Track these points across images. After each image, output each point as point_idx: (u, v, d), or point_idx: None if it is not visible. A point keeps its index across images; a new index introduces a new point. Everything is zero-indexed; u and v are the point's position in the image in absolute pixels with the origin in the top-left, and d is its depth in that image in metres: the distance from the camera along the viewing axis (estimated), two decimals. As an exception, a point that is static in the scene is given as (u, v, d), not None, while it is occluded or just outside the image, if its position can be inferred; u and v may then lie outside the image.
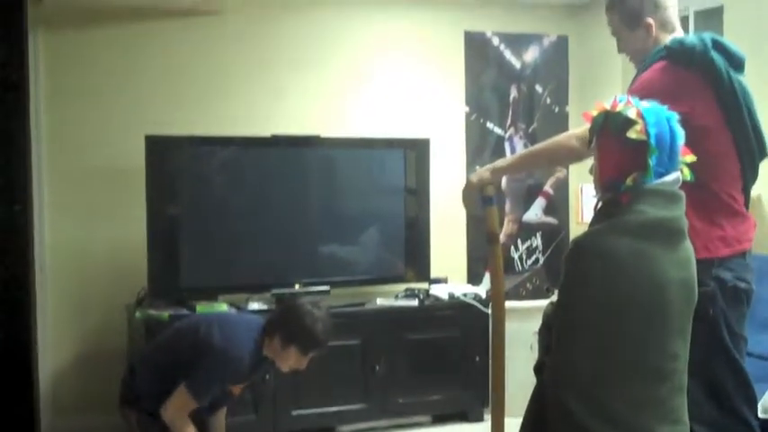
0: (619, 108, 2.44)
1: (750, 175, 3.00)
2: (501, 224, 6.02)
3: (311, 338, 3.77)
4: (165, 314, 4.72)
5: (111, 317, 5.15)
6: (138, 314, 4.79)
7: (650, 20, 3.01)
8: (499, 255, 3.08)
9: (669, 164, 2.42)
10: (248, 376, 3.88)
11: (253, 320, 3.98)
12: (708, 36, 2.94)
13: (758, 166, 3.02)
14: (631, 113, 2.41)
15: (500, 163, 3.12)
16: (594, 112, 2.52)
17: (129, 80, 5.30)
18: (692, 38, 2.94)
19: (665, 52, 2.93)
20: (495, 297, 3.07)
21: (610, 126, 2.45)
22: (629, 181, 2.40)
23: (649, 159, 2.38)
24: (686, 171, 2.47)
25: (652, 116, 2.40)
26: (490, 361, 3.13)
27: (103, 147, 5.23)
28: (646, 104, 2.46)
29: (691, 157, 2.47)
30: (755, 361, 4.07)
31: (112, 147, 5.23)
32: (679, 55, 2.89)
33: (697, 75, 2.88)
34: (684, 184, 2.47)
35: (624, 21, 3.07)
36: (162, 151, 4.96)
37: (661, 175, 2.40)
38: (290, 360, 3.82)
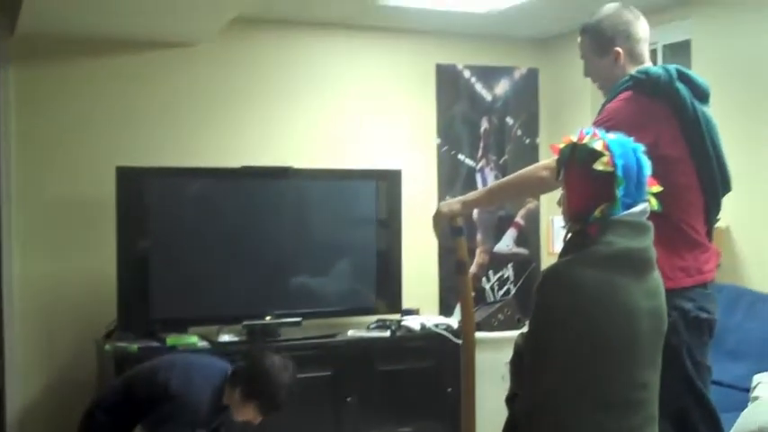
0: (585, 140, 2.46)
1: (713, 208, 3.02)
2: (472, 255, 6.04)
3: (272, 402, 3.76)
4: (135, 347, 4.69)
5: (81, 350, 5.11)
6: (107, 347, 4.75)
7: (619, 49, 3.04)
8: (469, 285, 3.10)
9: (636, 195, 2.43)
10: (207, 423, 3.80)
11: (215, 366, 3.91)
12: (673, 67, 2.97)
13: (721, 199, 3.04)
14: (598, 146, 2.42)
15: (471, 196, 3.16)
16: (562, 145, 2.54)
17: (100, 111, 5.29)
18: (657, 68, 2.97)
19: (631, 82, 2.96)
20: (465, 327, 3.08)
21: (577, 158, 2.47)
22: (597, 212, 2.41)
23: (616, 191, 2.39)
24: (653, 201, 2.49)
25: (618, 148, 2.42)
26: (461, 392, 3.13)
27: (74, 178, 5.21)
28: (612, 136, 2.48)
29: (657, 188, 2.50)
30: (724, 390, 4.11)
31: (83, 178, 5.21)
32: (644, 84, 2.92)
33: (662, 105, 2.91)
34: (651, 215, 2.49)
35: (594, 46, 3.09)
36: (133, 182, 4.95)
37: (629, 206, 2.42)
38: (247, 415, 3.79)
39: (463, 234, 3.15)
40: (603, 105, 3.04)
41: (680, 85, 2.91)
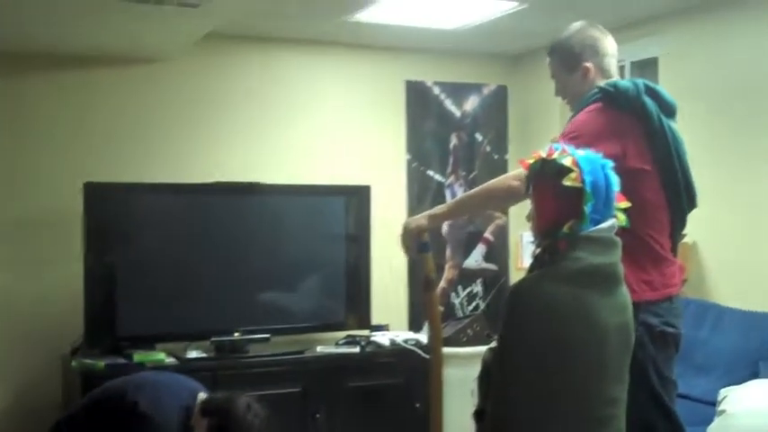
0: (554, 156, 2.47)
1: (678, 223, 3.05)
2: (441, 270, 6.05)
3: None
4: (101, 363, 4.64)
5: (47, 367, 5.06)
6: (73, 364, 4.70)
7: (588, 64, 3.07)
8: (436, 301, 3.09)
9: (605, 210, 2.45)
10: None
11: (185, 386, 3.84)
12: (641, 81, 3.01)
13: (687, 215, 3.07)
14: (567, 161, 2.44)
15: (437, 210, 3.14)
16: (531, 160, 2.55)
17: (69, 127, 5.26)
18: (625, 81, 3.00)
19: (599, 95, 2.98)
20: (433, 343, 3.07)
21: (546, 174, 2.48)
22: (566, 228, 2.43)
23: (585, 207, 2.41)
24: (621, 217, 2.50)
25: (587, 164, 2.44)
26: (430, 408, 3.12)
27: (40, 194, 5.17)
28: (581, 152, 2.50)
29: (625, 204, 2.51)
30: (692, 404, 4.13)
31: (50, 194, 5.17)
32: (612, 97, 2.94)
33: (629, 118, 2.93)
34: (619, 229, 2.51)
35: (563, 63, 3.12)
36: (100, 198, 4.91)
37: (597, 221, 2.43)
38: None
39: (429, 250, 3.13)
40: (570, 119, 3.06)
41: (647, 99, 2.94)
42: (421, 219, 3.09)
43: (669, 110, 3.01)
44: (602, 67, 3.09)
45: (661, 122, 2.95)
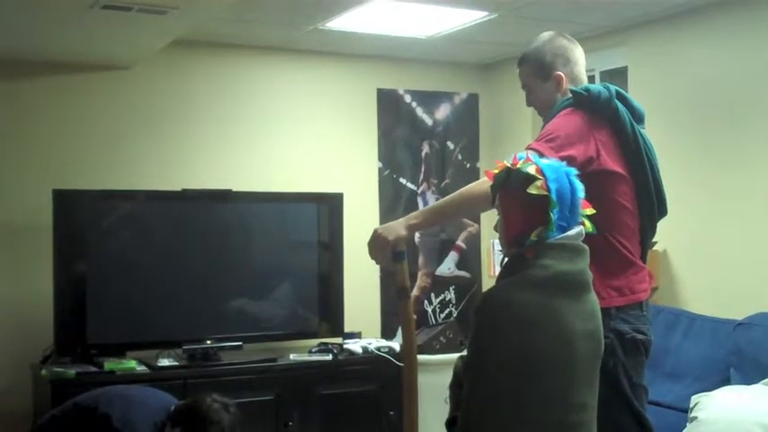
0: (519, 165, 2.48)
1: (648, 230, 3.06)
2: (413, 278, 6.05)
3: None
4: (72, 372, 4.61)
5: (17, 375, 5.01)
6: (44, 372, 4.66)
7: (561, 73, 3.08)
8: (410, 310, 3.05)
9: (571, 218, 2.46)
10: None
11: (158, 400, 3.83)
12: (613, 86, 3.03)
13: (656, 222, 3.09)
14: (531, 170, 2.45)
15: (415, 219, 3.04)
16: (496, 170, 2.56)
17: (35, 134, 5.22)
18: (597, 86, 3.01)
19: (572, 99, 2.99)
20: (407, 354, 3.04)
21: (511, 183, 2.49)
22: (533, 236, 2.43)
23: (551, 214, 2.42)
24: (588, 224, 2.52)
25: (552, 172, 2.45)
26: (403, 416, 3.11)
27: (8, 201, 5.12)
28: (545, 161, 2.51)
29: (590, 210, 2.52)
30: (663, 411, 4.16)
31: (17, 201, 5.13)
32: (585, 101, 2.95)
33: (602, 121, 2.95)
34: (585, 235, 2.52)
35: (536, 72, 3.12)
36: (70, 206, 4.88)
37: (564, 229, 2.44)
38: None
39: (405, 259, 3.05)
40: (543, 126, 3.06)
41: (619, 104, 2.96)
42: (400, 228, 2.99)
43: (638, 117, 3.04)
44: (573, 76, 3.10)
45: (633, 127, 2.97)
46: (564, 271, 2.42)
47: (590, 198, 2.55)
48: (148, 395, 3.92)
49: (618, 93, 3.00)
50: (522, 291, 2.40)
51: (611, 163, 2.92)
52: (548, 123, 3.00)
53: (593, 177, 2.77)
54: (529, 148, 2.83)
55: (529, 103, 3.24)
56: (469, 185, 3.01)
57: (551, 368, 2.37)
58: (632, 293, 2.92)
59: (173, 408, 3.76)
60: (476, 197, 2.92)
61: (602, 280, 2.74)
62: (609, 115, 2.95)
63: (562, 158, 2.74)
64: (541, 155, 2.73)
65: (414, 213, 3.14)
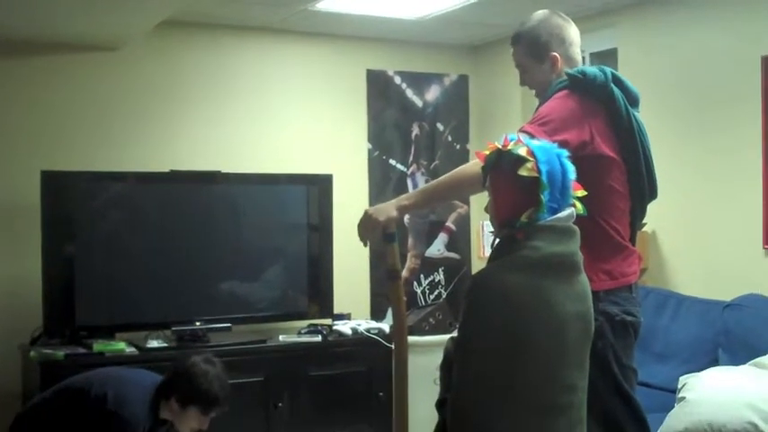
0: (510, 147, 2.48)
1: (639, 213, 3.07)
2: (403, 260, 6.05)
3: (209, 398, 3.68)
4: (61, 353, 4.60)
5: (5, 358, 5.00)
6: (32, 354, 4.65)
7: (556, 54, 3.05)
8: (401, 292, 3.04)
9: (561, 199, 2.46)
10: None
11: (147, 379, 3.82)
12: (608, 69, 3.01)
13: (647, 204, 3.10)
14: (522, 152, 2.44)
15: (407, 200, 3.04)
16: (487, 152, 2.55)
17: (23, 115, 5.19)
18: (593, 69, 2.99)
19: (567, 81, 2.98)
20: (398, 336, 3.04)
21: (502, 165, 2.49)
22: (523, 218, 2.44)
23: (542, 196, 2.42)
24: (579, 205, 2.52)
25: (542, 154, 2.45)
26: (393, 399, 3.11)
27: (-2, 182, 5.11)
28: (536, 143, 2.51)
29: (581, 192, 2.52)
30: (652, 392, 4.18)
31: (6, 182, 5.10)
32: (580, 84, 2.94)
33: (597, 104, 2.94)
34: (576, 218, 2.52)
35: (531, 53, 3.09)
36: (58, 187, 4.86)
37: (554, 210, 2.44)
38: (192, 422, 3.71)
39: (395, 240, 3.04)
40: (537, 107, 3.05)
41: (614, 87, 2.95)
42: (390, 210, 2.98)
43: (632, 100, 3.03)
44: (568, 56, 3.08)
45: (627, 111, 2.96)
46: (554, 253, 2.42)
47: (583, 182, 2.55)
48: (141, 376, 3.92)
49: (613, 75, 2.99)
50: (513, 272, 2.41)
51: (605, 147, 2.91)
52: (542, 105, 2.99)
53: (587, 161, 2.77)
54: (522, 130, 2.82)
55: (522, 83, 3.22)
56: (462, 167, 3.00)
57: (541, 350, 2.38)
58: (622, 277, 2.93)
59: (159, 382, 3.76)
60: (468, 178, 2.90)
61: (592, 263, 2.75)
62: (604, 99, 2.94)
63: (555, 142, 2.74)
64: (534, 138, 2.73)
65: (405, 195, 3.14)
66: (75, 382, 3.84)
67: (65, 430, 3.64)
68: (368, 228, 3.01)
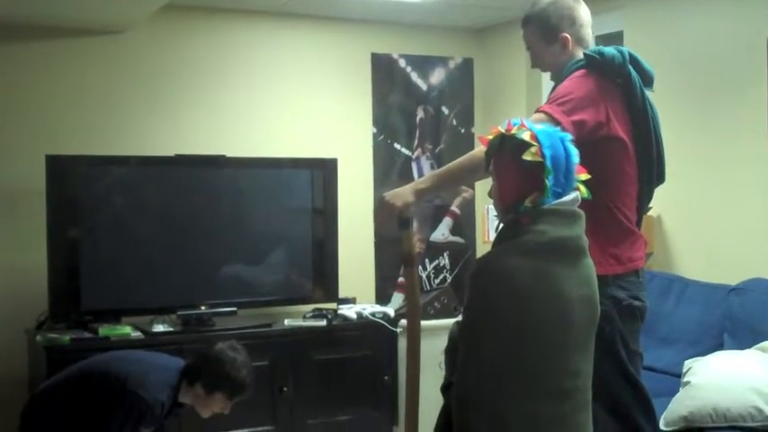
0: (513, 131, 2.47)
1: (645, 197, 3.06)
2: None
3: (237, 385, 3.75)
4: (67, 338, 4.62)
5: (11, 342, 5.01)
6: (38, 338, 4.67)
7: (567, 35, 3.04)
8: (415, 278, 3.01)
9: (565, 183, 2.45)
10: (161, 421, 3.74)
11: (167, 363, 3.86)
12: (626, 50, 2.99)
13: (654, 189, 3.09)
14: (526, 136, 2.44)
15: (422, 184, 2.99)
16: (490, 136, 2.55)
17: (28, 99, 5.19)
18: (610, 49, 2.97)
19: (584, 62, 2.96)
20: (411, 322, 3.02)
21: (506, 149, 2.49)
22: (527, 202, 2.43)
23: (546, 180, 2.41)
24: (583, 189, 2.51)
25: (546, 138, 2.44)
26: (405, 385, 3.09)
27: (2, 167, 5.09)
28: (539, 127, 2.50)
29: (585, 176, 2.51)
30: (657, 376, 4.18)
31: (10, 167, 5.10)
32: (598, 64, 2.93)
33: (614, 85, 2.93)
34: (583, 202, 2.51)
35: (541, 35, 3.07)
36: (63, 171, 4.86)
37: (559, 194, 2.44)
38: (215, 406, 3.77)
39: (411, 226, 3.00)
40: (553, 88, 3.03)
41: (632, 69, 2.94)
42: (407, 195, 2.93)
43: (648, 79, 3.01)
44: (579, 37, 3.06)
45: (643, 94, 2.96)
46: (560, 236, 2.42)
47: (595, 165, 2.54)
48: (159, 358, 3.96)
49: (630, 56, 2.97)
50: (518, 257, 2.41)
51: (620, 129, 2.91)
52: (559, 85, 2.98)
53: (601, 144, 2.77)
54: (540, 110, 2.82)
55: (534, 65, 3.20)
56: (475, 150, 2.96)
57: (546, 334, 2.38)
58: (630, 262, 2.93)
59: (183, 366, 3.78)
60: (482, 162, 2.87)
61: (601, 248, 2.74)
62: (621, 80, 2.93)
63: (573, 122, 2.74)
64: (552, 118, 2.73)
65: (421, 178, 3.09)
66: (93, 363, 3.86)
67: (83, 410, 3.65)
68: (384, 213, 2.96)
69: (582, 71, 2.94)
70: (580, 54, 3.02)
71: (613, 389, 2.82)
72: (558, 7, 3.06)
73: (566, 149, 2.46)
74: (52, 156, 4.83)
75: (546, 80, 5.45)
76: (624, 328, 2.85)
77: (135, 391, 3.58)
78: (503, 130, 2.51)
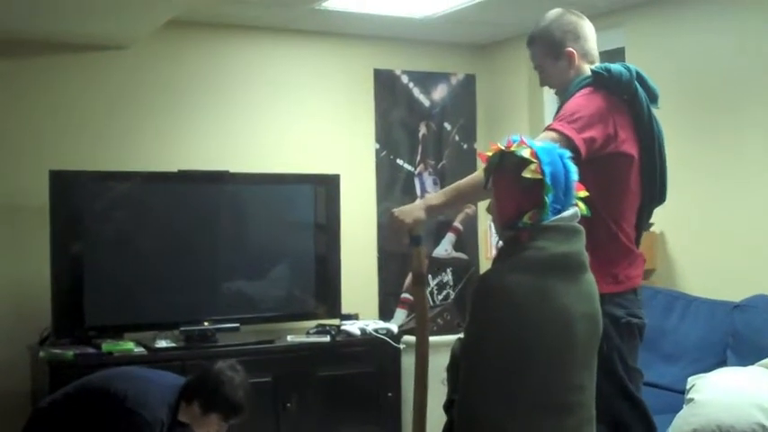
0: (513, 148, 2.48)
1: (645, 214, 3.06)
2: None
3: (233, 406, 3.72)
4: (70, 353, 4.62)
5: (14, 357, 5.01)
6: (41, 354, 4.66)
7: (572, 49, 3.05)
8: (425, 296, 2.99)
9: (564, 200, 2.46)
10: None
11: (168, 381, 3.85)
12: (633, 67, 3.00)
13: (654, 208, 3.09)
14: (526, 153, 2.44)
15: (432, 201, 2.97)
16: (489, 153, 2.55)
17: (31, 114, 5.20)
18: (617, 66, 2.98)
19: (591, 79, 2.97)
20: (419, 341, 2.99)
21: (505, 166, 2.49)
22: (526, 218, 2.43)
23: (546, 197, 2.42)
24: (582, 206, 2.51)
25: (546, 155, 2.44)
26: (409, 402, 3.09)
27: (5, 182, 5.11)
28: (539, 144, 2.51)
29: (584, 193, 2.52)
30: (660, 393, 4.17)
31: (14, 181, 5.11)
32: (605, 81, 2.94)
33: (621, 102, 2.94)
34: (584, 220, 2.52)
35: (547, 52, 3.09)
36: (66, 186, 4.87)
37: (558, 211, 2.44)
38: (211, 427, 3.74)
39: (421, 243, 2.96)
40: (560, 107, 3.03)
41: (638, 86, 2.95)
42: (418, 211, 2.91)
43: (653, 97, 3.02)
44: (585, 52, 3.07)
45: (649, 112, 2.96)
46: (560, 252, 2.42)
47: (602, 181, 2.55)
48: (161, 376, 3.93)
49: (637, 73, 2.99)
50: (519, 273, 2.41)
51: (628, 146, 2.91)
52: (566, 102, 2.98)
53: (608, 160, 2.77)
54: (550, 128, 2.82)
55: (542, 83, 3.21)
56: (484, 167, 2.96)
57: (549, 351, 2.38)
58: (628, 281, 2.93)
59: (182, 385, 3.77)
60: None
61: (599, 266, 2.74)
62: (628, 97, 2.94)
63: (584, 139, 2.75)
64: (564, 135, 2.73)
65: (432, 195, 3.09)
66: (92, 380, 3.85)
67: (82, 428, 3.64)
68: (394, 230, 2.93)
69: (589, 88, 2.95)
70: (587, 69, 3.03)
71: (613, 407, 2.81)
72: (562, 23, 3.08)
73: (565, 166, 2.47)
74: (56, 171, 4.84)
75: (548, 96, 5.47)
76: (623, 346, 2.85)
77: (134, 410, 3.57)
78: (502, 147, 2.51)
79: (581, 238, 2.49)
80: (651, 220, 3.23)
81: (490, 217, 2.63)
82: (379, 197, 6.03)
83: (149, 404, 3.61)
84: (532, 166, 2.42)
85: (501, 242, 2.55)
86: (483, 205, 6.12)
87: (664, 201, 3.09)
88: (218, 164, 5.38)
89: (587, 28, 3.12)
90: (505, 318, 2.38)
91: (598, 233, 2.68)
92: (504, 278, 2.43)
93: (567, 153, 2.51)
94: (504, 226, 2.52)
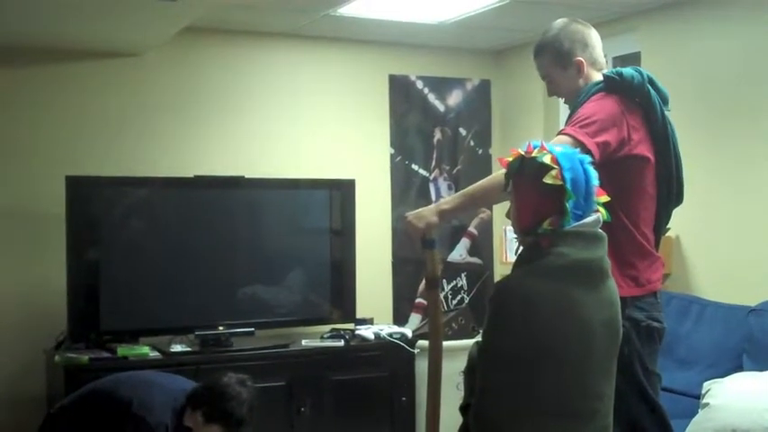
0: (534, 153, 2.47)
1: (663, 217, 3.06)
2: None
3: (235, 421, 3.69)
4: (85, 358, 4.63)
5: (30, 362, 5.04)
6: (57, 358, 4.68)
7: (581, 58, 3.06)
8: (439, 299, 2.99)
9: (585, 206, 2.44)
10: None
11: (176, 385, 3.85)
12: (644, 71, 3.01)
13: (672, 210, 3.09)
14: (546, 159, 2.43)
15: (447, 205, 2.99)
16: (510, 158, 2.55)
17: (49, 121, 5.23)
18: (629, 70, 2.99)
19: (603, 84, 2.98)
20: (433, 345, 2.98)
21: (526, 171, 2.48)
22: (546, 224, 2.42)
23: (566, 204, 2.41)
24: (603, 211, 2.51)
25: (566, 161, 2.43)
26: (423, 406, 3.08)
27: (22, 187, 5.14)
28: (559, 149, 2.49)
29: (605, 198, 2.51)
30: (676, 397, 4.16)
31: (31, 188, 5.14)
32: (617, 85, 2.94)
33: (634, 106, 2.94)
34: (603, 224, 2.51)
35: (555, 62, 3.09)
36: (83, 192, 4.89)
37: (579, 217, 2.43)
38: None
39: (435, 247, 2.97)
40: (571, 113, 3.04)
41: (650, 89, 2.95)
42: (430, 216, 2.92)
43: (663, 100, 3.02)
44: (593, 60, 3.08)
45: (663, 115, 2.97)
46: (581, 259, 2.41)
47: (618, 185, 2.54)
48: (167, 380, 3.94)
49: (649, 77, 2.99)
50: (538, 279, 2.40)
51: (642, 148, 2.92)
52: (579, 108, 2.98)
53: (624, 163, 2.77)
54: (563, 133, 2.82)
55: (550, 93, 3.21)
56: (499, 171, 2.96)
57: (567, 357, 2.37)
58: (648, 284, 2.93)
59: (190, 391, 3.77)
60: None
61: (620, 269, 2.75)
62: (641, 100, 2.94)
63: (597, 144, 2.75)
64: (577, 140, 2.73)
65: (445, 199, 3.09)
66: (101, 384, 3.87)
67: (91, 429, 3.65)
68: (407, 234, 2.96)
69: (602, 93, 2.95)
70: (596, 76, 3.04)
71: (632, 411, 2.81)
72: (570, 32, 3.09)
73: (585, 172, 2.46)
74: (72, 177, 4.86)
75: (563, 102, 5.46)
76: (643, 350, 2.85)
77: (139, 414, 3.58)
78: (523, 152, 2.51)
79: (603, 245, 2.48)
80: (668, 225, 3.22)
81: (506, 222, 2.62)
82: (394, 202, 6.04)
83: (155, 409, 3.62)
84: (553, 172, 2.41)
85: (521, 247, 2.55)
86: (498, 211, 6.18)
87: (681, 202, 3.09)
88: (233, 169, 5.40)
89: (594, 36, 3.13)
90: (523, 323, 2.37)
91: (617, 236, 2.68)
92: (523, 284, 2.43)
93: (588, 158, 2.50)
94: (524, 231, 2.51)
